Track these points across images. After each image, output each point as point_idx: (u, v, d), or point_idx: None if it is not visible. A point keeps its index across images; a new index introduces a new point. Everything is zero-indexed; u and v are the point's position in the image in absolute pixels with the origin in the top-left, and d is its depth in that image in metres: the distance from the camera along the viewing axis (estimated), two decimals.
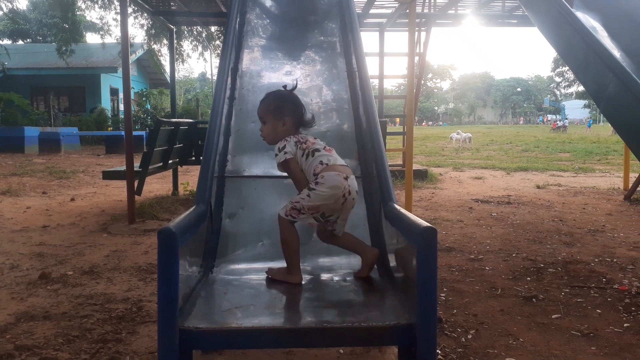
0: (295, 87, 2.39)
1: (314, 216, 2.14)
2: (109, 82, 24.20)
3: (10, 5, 19.57)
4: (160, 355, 1.51)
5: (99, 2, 17.71)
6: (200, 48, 19.72)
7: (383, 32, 8.54)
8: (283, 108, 2.33)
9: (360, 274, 2.18)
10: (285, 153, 2.22)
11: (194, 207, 2.09)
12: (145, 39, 19.28)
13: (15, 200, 6.55)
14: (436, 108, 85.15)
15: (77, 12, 18.65)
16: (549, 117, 67.95)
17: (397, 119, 23.60)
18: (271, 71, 3.64)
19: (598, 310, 2.83)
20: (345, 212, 2.18)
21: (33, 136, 14.99)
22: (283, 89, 2.38)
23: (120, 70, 19.83)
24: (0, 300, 2.95)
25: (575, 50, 3.50)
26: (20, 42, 33.39)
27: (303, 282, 2.12)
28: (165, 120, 6.35)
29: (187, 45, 19.43)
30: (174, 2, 7.69)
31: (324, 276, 2.22)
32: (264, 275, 2.18)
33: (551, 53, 71.09)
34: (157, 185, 7.90)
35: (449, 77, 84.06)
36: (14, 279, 3.34)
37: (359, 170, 2.92)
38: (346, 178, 2.13)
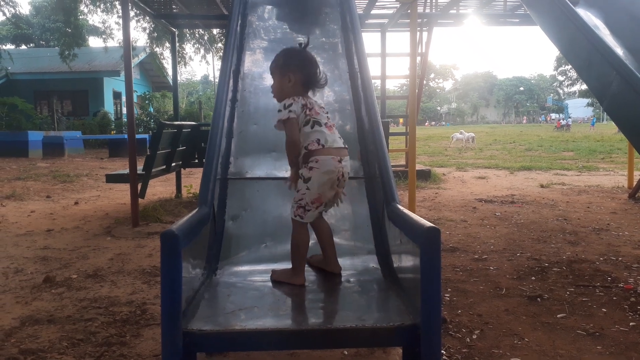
0: (307, 44, 2.32)
1: (319, 209, 2.15)
2: (112, 85, 24.26)
3: (13, 10, 19.67)
4: (164, 358, 1.51)
5: (101, 6, 17.77)
6: (202, 51, 19.80)
7: (385, 33, 8.53)
8: (289, 64, 2.28)
9: (312, 259, 2.27)
10: (290, 111, 2.17)
11: (196, 210, 2.09)
12: (147, 42, 19.34)
13: (19, 204, 6.57)
14: (439, 108, 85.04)
15: (80, 17, 18.69)
16: (552, 115, 67.77)
17: (401, 120, 23.60)
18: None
19: (603, 309, 2.82)
20: (338, 194, 2.20)
21: (37, 140, 15.05)
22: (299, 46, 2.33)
23: (123, 73, 19.88)
24: (5, 304, 2.96)
25: (578, 48, 3.48)
26: (24, 46, 33.51)
27: (307, 284, 2.11)
28: (168, 123, 6.36)
29: (189, 48, 19.50)
30: (176, 5, 7.71)
31: (328, 277, 2.22)
32: (267, 277, 2.18)
33: (554, 52, 70.96)
34: (160, 188, 7.92)
35: (451, 77, 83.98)
36: (18, 283, 3.35)
37: (361, 171, 2.92)
38: (340, 161, 2.13)
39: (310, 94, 2.32)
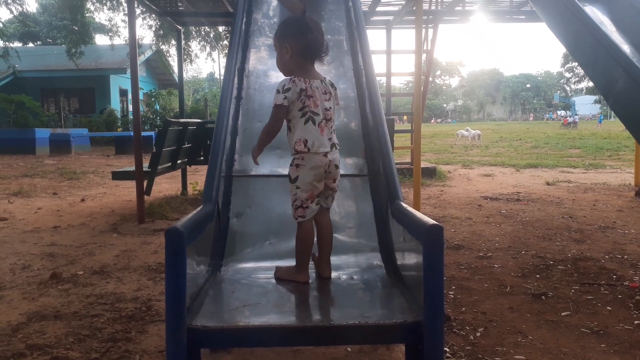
0: (305, 9, 2.23)
1: (315, 201, 2.13)
2: (118, 83, 24.36)
3: (21, 8, 19.78)
4: (169, 354, 1.52)
5: (108, 4, 17.85)
6: (208, 48, 19.84)
7: (390, 30, 8.51)
8: (286, 33, 2.17)
9: (314, 257, 2.21)
10: (285, 98, 2.10)
11: (201, 207, 2.10)
12: (153, 40, 19.41)
13: (26, 201, 6.61)
14: (445, 105, 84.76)
15: (86, 14, 18.78)
16: (559, 113, 67.38)
17: (405, 117, 23.59)
18: (278, 70, 3.64)
19: (608, 308, 2.81)
20: (333, 184, 2.17)
21: (44, 138, 15.13)
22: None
23: (129, 71, 19.95)
24: (12, 300, 2.99)
25: (584, 45, 3.46)
26: (31, 44, 33.72)
27: (310, 281, 2.12)
28: (174, 120, 6.38)
29: (195, 45, 19.56)
30: (182, 3, 7.73)
31: (332, 274, 2.23)
32: (272, 274, 2.19)
33: (561, 49, 70.51)
34: (166, 185, 7.95)
35: (457, 74, 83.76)
36: (25, 279, 3.38)
37: (366, 168, 2.92)
38: (325, 155, 2.10)
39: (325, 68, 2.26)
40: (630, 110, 3.11)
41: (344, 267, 2.30)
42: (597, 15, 3.55)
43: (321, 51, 2.19)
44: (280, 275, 2.15)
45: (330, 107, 2.17)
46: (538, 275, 3.40)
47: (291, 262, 2.19)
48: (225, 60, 3.67)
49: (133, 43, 5.40)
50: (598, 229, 4.77)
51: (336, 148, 2.18)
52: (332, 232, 2.25)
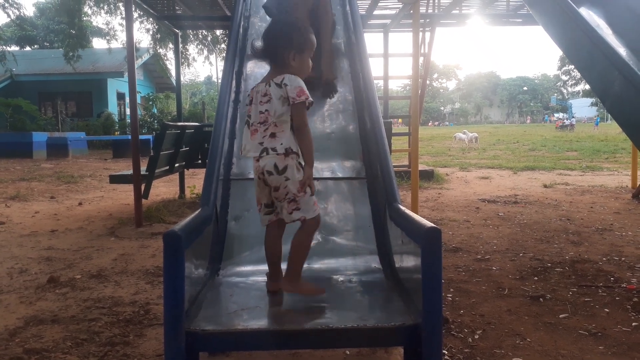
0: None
1: (262, 211, 2.08)
2: (116, 86, 24.33)
3: (18, 12, 19.76)
4: (167, 358, 1.52)
5: (105, 8, 17.85)
6: (205, 51, 19.85)
7: (387, 33, 8.54)
8: None
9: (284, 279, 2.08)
10: (247, 105, 2.20)
11: (199, 210, 2.10)
12: (151, 44, 19.41)
13: (23, 205, 6.60)
14: (442, 108, 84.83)
15: (84, 18, 18.79)
16: (556, 115, 67.51)
17: (400, 119, 23.65)
18: None
19: (606, 310, 2.82)
20: (274, 193, 2.01)
21: (41, 141, 15.09)
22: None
23: (126, 74, 19.93)
24: (9, 304, 2.98)
25: (580, 48, 3.47)
26: (28, 48, 33.68)
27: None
28: (172, 124, 6.38)
29: (192, 49, 19.63)
30: (179, 7, 7.74)
31: (330, 277, 2.23)
32: None
33: (557, 51, 70.76)
34: (164, 189, 7.94)
35: (454, 77, 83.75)
36: (22, 283, 3.37)
37: (363, 171, 2.93)
38: (258, 160, 2.02)
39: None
40: (626, 112, 3.13)
41: (342, 270, 2.30)
42: (593, 18, 3.57)
43: (268, 56, 2.16)
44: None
45: (265, 110, 2.02)
46: (536, 278, 3.40)
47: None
48: (222, 64, 3.68)
49: (131, 47, 5.40)
50: (595, 231, 4.78)
51: (268, 153, 1.98)
52: (293, 246, 2.03)
